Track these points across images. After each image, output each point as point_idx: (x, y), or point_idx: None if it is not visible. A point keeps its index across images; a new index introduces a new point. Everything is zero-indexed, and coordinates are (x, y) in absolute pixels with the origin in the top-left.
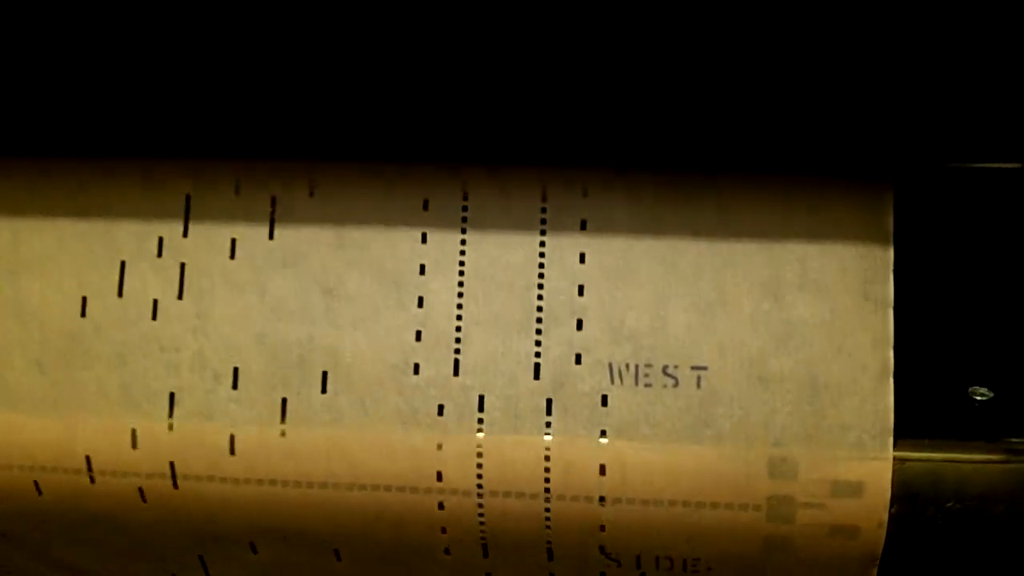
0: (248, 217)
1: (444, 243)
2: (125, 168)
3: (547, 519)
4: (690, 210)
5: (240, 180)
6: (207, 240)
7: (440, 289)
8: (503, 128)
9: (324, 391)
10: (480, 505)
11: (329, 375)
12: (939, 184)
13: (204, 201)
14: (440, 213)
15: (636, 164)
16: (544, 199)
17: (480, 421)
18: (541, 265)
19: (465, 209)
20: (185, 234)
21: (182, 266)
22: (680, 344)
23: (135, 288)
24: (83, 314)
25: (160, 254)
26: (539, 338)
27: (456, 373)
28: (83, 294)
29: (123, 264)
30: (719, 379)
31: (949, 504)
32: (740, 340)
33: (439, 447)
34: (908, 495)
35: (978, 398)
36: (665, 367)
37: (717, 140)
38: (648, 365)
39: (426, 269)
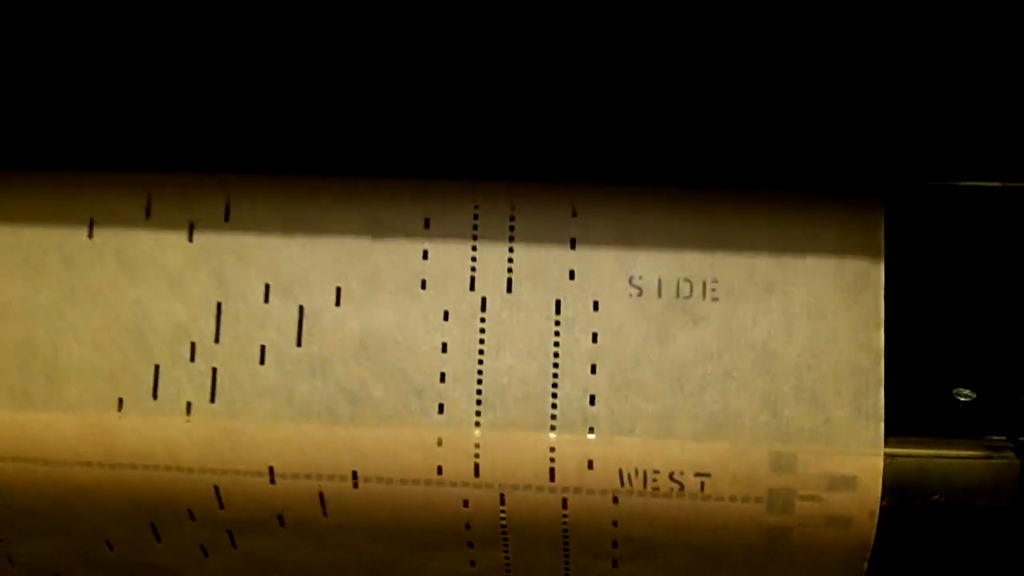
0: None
1: None
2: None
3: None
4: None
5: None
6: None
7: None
8: None
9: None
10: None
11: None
12: (927, 201)
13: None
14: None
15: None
16: None
17: None
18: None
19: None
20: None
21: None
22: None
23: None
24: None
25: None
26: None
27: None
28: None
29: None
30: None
31: (935, 497)
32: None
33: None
34: (898, 488)
35: (962, 399)
36: None
37: (726, 158)
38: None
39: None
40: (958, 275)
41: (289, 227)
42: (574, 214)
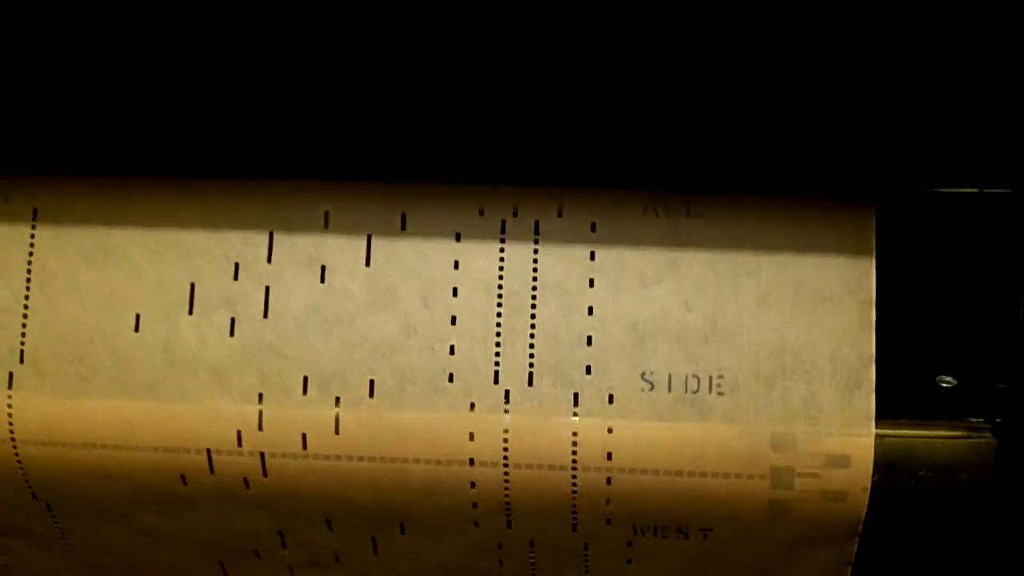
0: None
1: None
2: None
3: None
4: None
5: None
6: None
7: None
8: None
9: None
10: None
11: None
12: (915, 206)
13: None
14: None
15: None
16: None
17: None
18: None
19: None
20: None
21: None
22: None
23: None
24: None
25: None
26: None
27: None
28: None
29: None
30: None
31: (921, 472)
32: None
33: None
34: (887, 465)
35: (944, 385)
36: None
37: (730, 165)
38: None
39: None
40: (942, 274)
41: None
42: None
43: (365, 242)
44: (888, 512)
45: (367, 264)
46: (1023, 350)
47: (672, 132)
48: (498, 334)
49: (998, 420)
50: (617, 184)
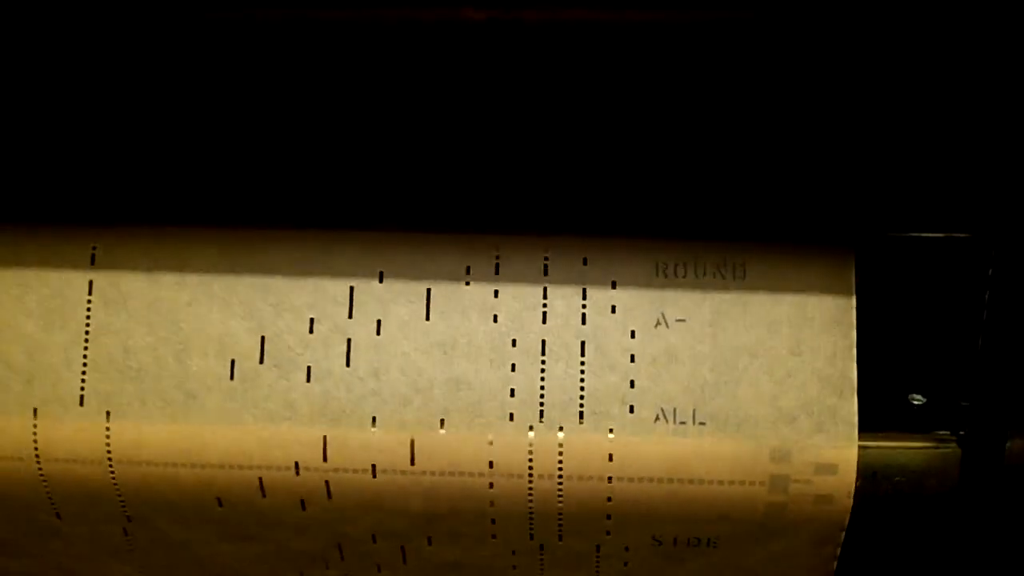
0: None
1: None
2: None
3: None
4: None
5: None
6: None
7: None
8: None
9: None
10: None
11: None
12: (888, 249)
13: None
14: None
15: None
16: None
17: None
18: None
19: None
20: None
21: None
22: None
23: None
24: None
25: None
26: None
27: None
28: None
29: None
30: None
31: (896, 479)
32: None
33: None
34: (868, 473)
35: (915, 403)
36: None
37: (725, 214)
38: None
39: None
40: (913, 307)
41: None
42: None
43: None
44: (869, 513)
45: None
46: (982, 373)
47: (671, 188)
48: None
49: (962, 433)
50: (619, 232)
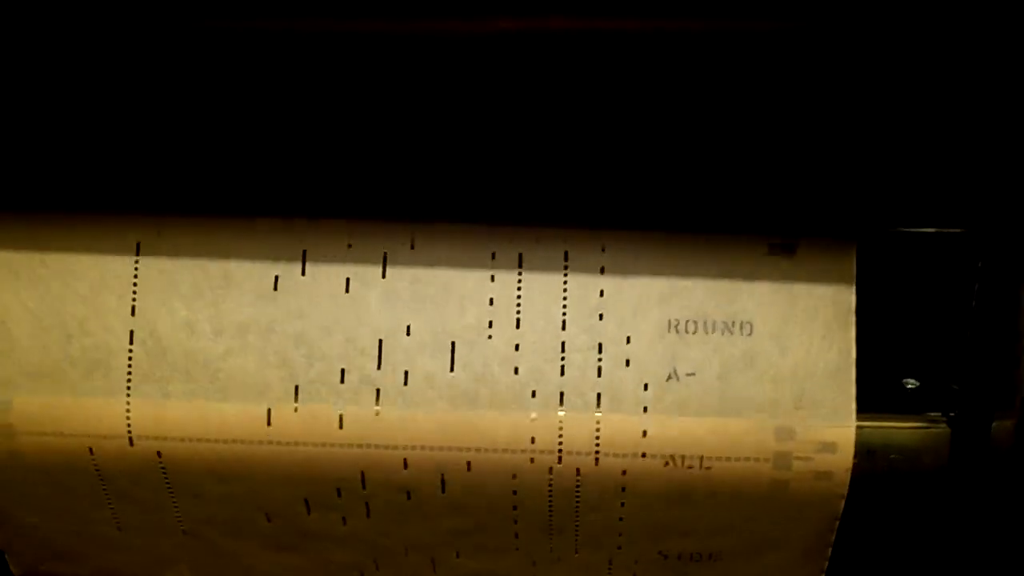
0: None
1: None
2: None
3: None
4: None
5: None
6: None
7: None
8: None
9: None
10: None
11: None
12: (888, 242)
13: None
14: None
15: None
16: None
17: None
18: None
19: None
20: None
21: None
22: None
23: None
24: None
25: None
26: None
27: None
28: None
29: None
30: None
31: (892, 456)
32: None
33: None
34: (865, 451)
35: (909, 386)
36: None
37: (730, 210)
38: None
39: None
40: (908, 297)
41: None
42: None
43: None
44: (866, 488)
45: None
46: (970, 359)
47: (688, 179)
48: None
49: (952, 414)
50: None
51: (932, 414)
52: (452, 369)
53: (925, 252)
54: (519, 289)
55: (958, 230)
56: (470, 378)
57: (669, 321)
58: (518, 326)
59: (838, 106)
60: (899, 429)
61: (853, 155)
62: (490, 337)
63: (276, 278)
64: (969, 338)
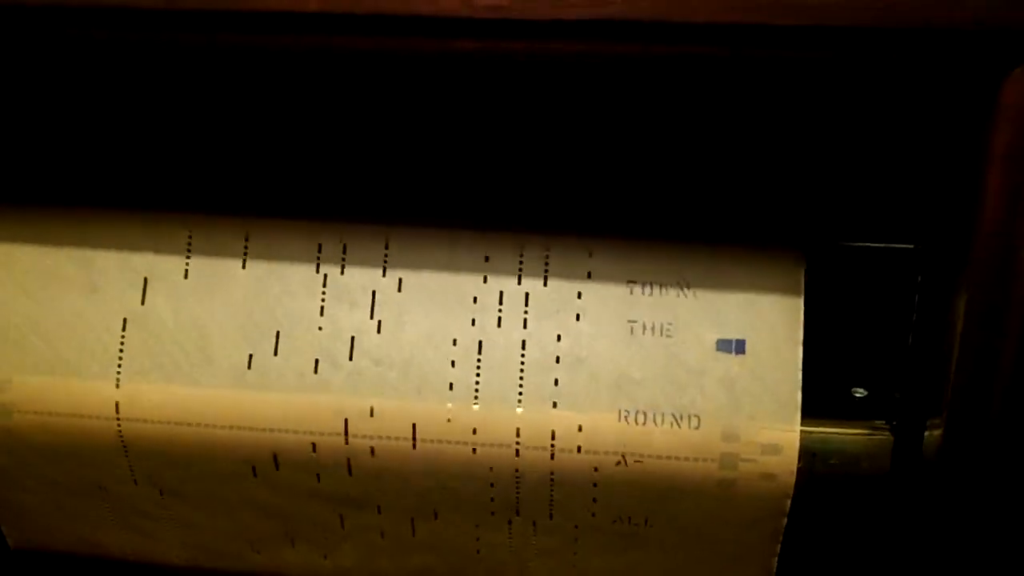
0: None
1: None
2: None
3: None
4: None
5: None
6: None
7: None
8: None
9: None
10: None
11: None
12: (837, 256)
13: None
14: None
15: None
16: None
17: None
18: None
19: None
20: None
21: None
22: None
23: None
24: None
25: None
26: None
27: None
28: None
29: None
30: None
31: (832, 461)
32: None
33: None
34: (808, 454)
35: (857, 395)
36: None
37: (689, 218)
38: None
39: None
40: (859, 309)
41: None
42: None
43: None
44: (808, 490)
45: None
46: (911, 369)
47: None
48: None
49: (894, 423)
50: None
51: (877, 422)
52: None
53: (874, 266)
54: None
55: (906, 246)
56: None
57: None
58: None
59: (793, 130)
60: (840, 435)
61: (806, 173)
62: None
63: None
64: (907, 350)
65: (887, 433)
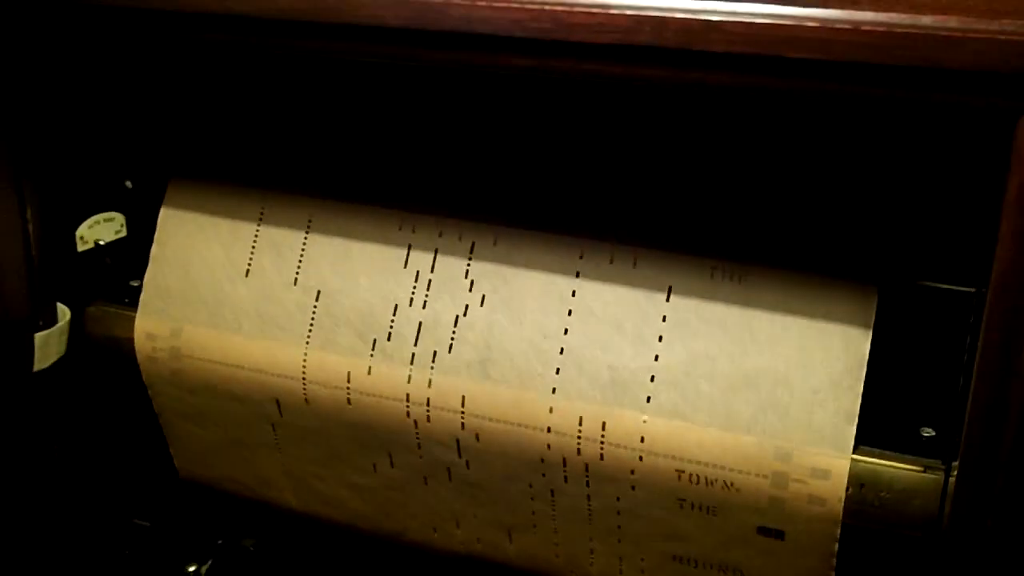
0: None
1: None
2: None
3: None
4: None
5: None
6: None
7: None
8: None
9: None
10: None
11: None
12: (906, 293)
13: None
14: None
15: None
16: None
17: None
18: None
19: None
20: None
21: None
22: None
23: None
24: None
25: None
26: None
27: None
28: None
29: None
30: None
31: (883, 493)
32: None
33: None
34: (857, 483)
35: (925, 435)
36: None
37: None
38: None
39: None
40: (929, 349)
41: None
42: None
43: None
44: (857, 517)
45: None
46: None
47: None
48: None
49: (953, 463)
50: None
51: (933, 461)
52: None
53: (939, 306)
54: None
55: (969, 289)
56: None
57: None
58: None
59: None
60: (893, 469)
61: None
62: None
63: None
64: (959, 394)
65: (941, 472)
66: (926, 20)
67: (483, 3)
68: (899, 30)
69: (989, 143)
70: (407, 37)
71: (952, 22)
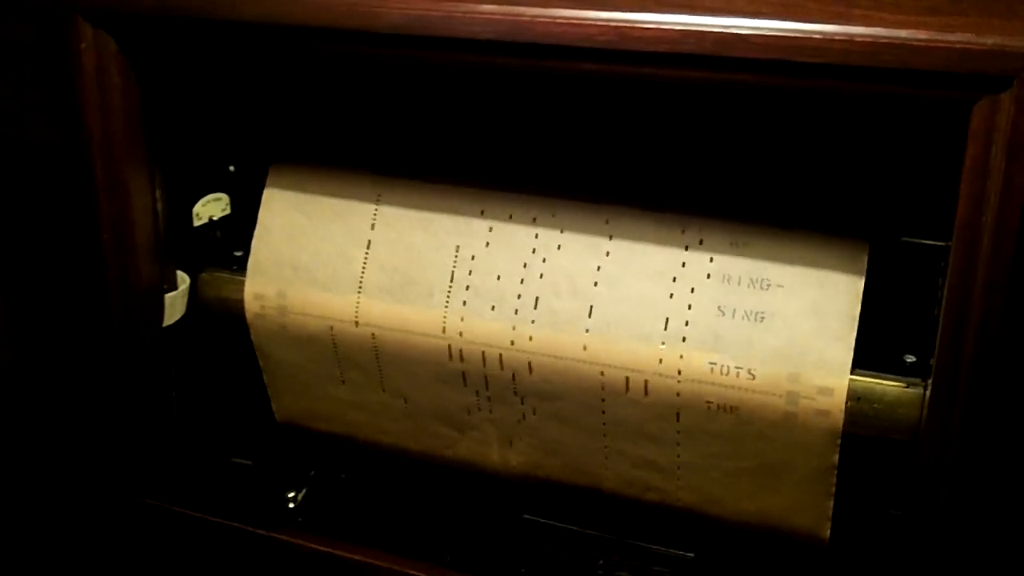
0: None
1: None
2: None
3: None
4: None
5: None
6: None
7: None
8: None
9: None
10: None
11: None
12: (891, 247)
13: None
14: None
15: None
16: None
17: None
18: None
19: None
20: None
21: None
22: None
23: None
24: None
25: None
26: None
27: None
28: None
29: None
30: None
31: (875, 404)
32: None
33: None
34: (855, 397)
35: (908, 361)
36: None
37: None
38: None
39: None
40: (914, 291)
41: None
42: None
43: None
44: (855, 426)
45: None
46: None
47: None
48: None
49: (928, 380)
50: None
51: (914, 379)
52: None
53: (926, 260)
54: None
55: (941, 243)
56: None
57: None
58: None
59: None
60: (882, 384)
61: (872, 186)
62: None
63: None
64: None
65: (920, 388)
66: (903, 33)
67: (561, 20)
68: (883, 40)
69: (953, 126)
70: (498, 48)
71: (922, 35)
